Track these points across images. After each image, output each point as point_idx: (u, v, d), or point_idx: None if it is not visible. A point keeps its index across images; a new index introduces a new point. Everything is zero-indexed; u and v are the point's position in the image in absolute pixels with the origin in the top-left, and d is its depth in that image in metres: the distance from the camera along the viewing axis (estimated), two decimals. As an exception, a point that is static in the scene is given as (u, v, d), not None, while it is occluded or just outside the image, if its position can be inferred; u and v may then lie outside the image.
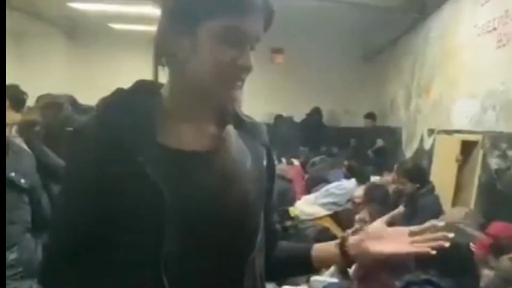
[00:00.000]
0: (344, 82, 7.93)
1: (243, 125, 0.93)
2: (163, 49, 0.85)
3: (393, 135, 6.31)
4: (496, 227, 2.48)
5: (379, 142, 6.56)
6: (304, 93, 7.95)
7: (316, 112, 7.83)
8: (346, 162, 5.29)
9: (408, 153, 5.56)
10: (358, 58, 7.77)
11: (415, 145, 5.30)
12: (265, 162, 0.93)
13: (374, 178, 4.87)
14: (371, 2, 5.21)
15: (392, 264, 2.30)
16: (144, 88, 0.89)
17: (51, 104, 1.40)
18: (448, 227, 2.26)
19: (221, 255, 0.83)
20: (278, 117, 7.82)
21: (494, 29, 3.30)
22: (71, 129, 1.35)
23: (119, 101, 0.87)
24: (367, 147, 6.63)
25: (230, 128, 0.90)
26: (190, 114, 0.87)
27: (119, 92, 0.88)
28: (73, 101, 1.46)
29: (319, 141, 7.16)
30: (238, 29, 0.80)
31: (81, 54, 8.30)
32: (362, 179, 4.38)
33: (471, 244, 1.97)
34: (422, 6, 5.08)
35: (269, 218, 0.97)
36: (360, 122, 7.24)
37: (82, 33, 8.28)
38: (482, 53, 3.52)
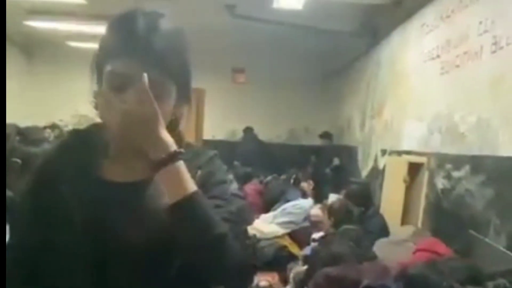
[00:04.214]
0: (304, 102, 8.11)
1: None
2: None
3: (350, 154, 6.48)
4: (423, 242, 2.65)
5: (336, 161, 6.74)
6: (266, 112, 8.09)
7: (248, 132, 7.87)
8: (294, 176, 5.47)
9: (364, 171, 5.72)
10: (317, 79, 7.97)
11: (370, 164, 5.46)
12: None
13: (332, 196, 5.01)
14: (326, 27, 5.39)
15: (345, 284, 2.41)
16: (95, 127, 0.99)
17: (-4, 135, 1.40)
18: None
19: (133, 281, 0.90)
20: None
21: (438, 56, 3.49)
22: (17, 160, 1.39)
23: (69, 140, 1.01)
24: (326, 165, 6.79)
25: None
26: (123, 149, 0.94)
27: (72, 133, 1.03)
28: (19, 131, 1.46)
29: (263, 159, 7.20)
30: (116, 74, 0.86)
31: (39, 72, 8.14)
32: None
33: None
34: (374, 32, 5.30)
35: None
36: (320, 140, 7.43)
37: (40, 51, 8.14)
38: (428, 79, 3.70)
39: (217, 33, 6.44)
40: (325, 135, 7.18)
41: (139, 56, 0.85)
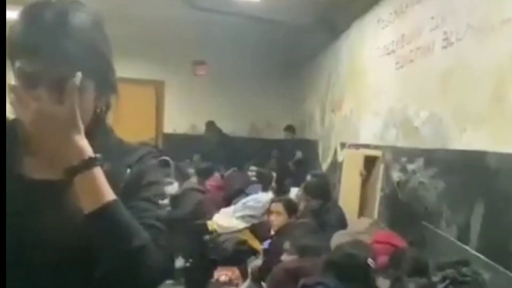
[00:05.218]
0: (266, 96, 8.08)
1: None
2: None
3: (311, 148, 6.53)
4: (379, 235, 2.71)
5: (298, 155, 6.78)
6: (227, 106, 8.03)
7: (210, 126, 7.77)
8: (252, 167, 5.44)
9: (325, 165, 5.78)
10: (279, 72, 7.97)
11: (330, 157, 5.52)
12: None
13: (293, 190, 5.04)
14: (284, 20, 5.40)
15: (298, 275, 2.42)
16: (18, 122, 0.90)
17: None
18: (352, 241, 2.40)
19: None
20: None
21: (393, 51, 3.54)
22: None
23: None
24: (288, 159, 6.82)
25: None
26: (40, 146, 0.87)
27: None
28: None
29: (226, 153, 7.11)
30: (24, 71, 0.81)
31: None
32: (267, 184, 4.78)
33: (369, 259, 2.11)
34: (332, 26, 5.33)
35: None
36: (281, 134, 7.45)
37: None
38: (383, 74, 3.75)
39: (176, 25, 6.33)
40: (288, 129, 7.23)
41: (48, 52, 0.80)
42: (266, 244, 3.74)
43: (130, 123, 7.66)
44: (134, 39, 6.95)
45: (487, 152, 2.23)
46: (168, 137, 8.05)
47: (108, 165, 0.86)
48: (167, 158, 6.24)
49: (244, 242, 4.27)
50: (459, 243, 2.44)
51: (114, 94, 0.95)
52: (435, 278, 2.15)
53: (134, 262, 0.84)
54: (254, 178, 5.58)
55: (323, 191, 3.92)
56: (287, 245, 2.88)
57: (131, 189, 0.91)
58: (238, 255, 4.16)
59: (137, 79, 7.62)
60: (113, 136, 1.00)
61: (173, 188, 4.98)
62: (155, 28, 6.57)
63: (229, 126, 7.90)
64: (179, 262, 4.61)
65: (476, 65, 2.37)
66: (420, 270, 1.87)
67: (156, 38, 7.05)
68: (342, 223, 3.61)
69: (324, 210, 3.75)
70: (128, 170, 0.93)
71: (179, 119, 8.12)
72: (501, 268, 2.06)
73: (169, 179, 5.14)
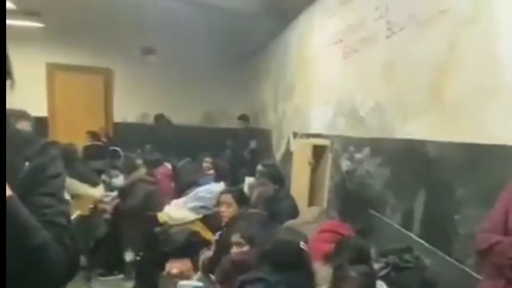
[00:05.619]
0: (219, 84, 7.99)
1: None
2: None
3: (265, 137, 6.53)
4: (327, 224, 2.75)
5: (252, 144, 6.76)
6: (179, 94, 7.90)
7: (159, 118, 7.66)
8: (207, 159, 5.39)
9: (278, 154, 5.79)
10: (232, 61, 7.88)
11: (283, 147, 5.53)
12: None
13: (248, 179, 5.00)
14: (237, 8, 5.31)
15: (246, 267, 2.40)
16: None
17: None
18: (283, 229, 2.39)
19: None
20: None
21: (341, 40, 3.54)
22: None
23: None
24: (242, 148, 6.79)
25: None
26: None
27: None
28: None
29: (177, 144, 7.02)
30: None
31: None
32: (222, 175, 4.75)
33: (302, 243, 2.11)
34: (282, 14, 5.28)
35: None
36: (236, 123, 7.40)
37: None
38: (332, 63, 3.75)
39: (125, 12, 6.12)
40: (242, 118, 7.18)
41: None
42: (218, 235, 3.69)
43: (79, 112, 7.45)
44: (81, 26, 6.69)
45: (427, 141, 2.27)
46: (119, 127, 7.84)
47: (12, 156, 0.81)
48: (117, 148, 6.08)
49: (196, 234, 4.20)
50: (403, 230, 2.49)
51: (9, 78, 0.89)
52: (377, 265, 2.20)
53: (33, 261, 0.81)
54: (210, 171, 5.50)
55: (279, 176, 3.88)
56: (235, 236, 2.85)
57: (31, 183, 0.86)
58: (190, 246, 4.08)
59: (84, 66, 7.36)
60: (9, 126, 0.92)
61: (118, 180, 4.84)
62: (103, 14, 6.32)
63: (181, 116, 7.78)
64: (129, 256, 4.51)
65: (417, 55, 2.40)
66: (362, 257, 1.89)
67: (104, 25, 6.79)
68: (294, 213, 3.61)
69: (276, 200, 3.74)
70: (27, 164, 0.88)
71: (129, 108, 7.92)
72: (441, 253, 2.11)
73: (115, 172, 5.00)
